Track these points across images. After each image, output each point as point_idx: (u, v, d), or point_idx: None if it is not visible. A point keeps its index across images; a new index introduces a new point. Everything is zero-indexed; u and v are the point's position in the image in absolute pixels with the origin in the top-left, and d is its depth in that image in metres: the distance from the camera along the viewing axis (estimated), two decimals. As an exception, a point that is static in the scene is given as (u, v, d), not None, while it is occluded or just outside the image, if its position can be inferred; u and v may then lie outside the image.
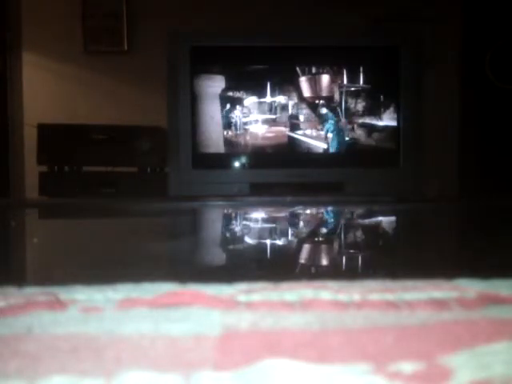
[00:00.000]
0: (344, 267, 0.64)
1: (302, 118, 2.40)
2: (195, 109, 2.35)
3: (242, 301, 0.36)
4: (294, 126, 2.40)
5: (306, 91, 2.39)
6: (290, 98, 2.39)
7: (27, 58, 2.60)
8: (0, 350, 0.28)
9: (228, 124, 2.38)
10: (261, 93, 2.38)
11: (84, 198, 2.22)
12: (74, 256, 0.74)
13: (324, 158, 2.41)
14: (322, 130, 2.40)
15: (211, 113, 2.38)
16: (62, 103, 2.60)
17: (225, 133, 2.38)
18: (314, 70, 2.40)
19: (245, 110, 2.38)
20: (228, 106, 2.38)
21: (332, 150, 2.39)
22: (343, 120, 2.39)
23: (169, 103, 2.36)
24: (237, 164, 2.40)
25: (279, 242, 0.89)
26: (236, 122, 2.38)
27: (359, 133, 2.40)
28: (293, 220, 1.37)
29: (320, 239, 0.96)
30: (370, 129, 2.40)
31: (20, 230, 1.15)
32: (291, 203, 1.93)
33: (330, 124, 2.39)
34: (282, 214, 1.51)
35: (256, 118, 2.39)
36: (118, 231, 1.10)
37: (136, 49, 2.61)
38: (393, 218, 1.47)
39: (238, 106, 2.38)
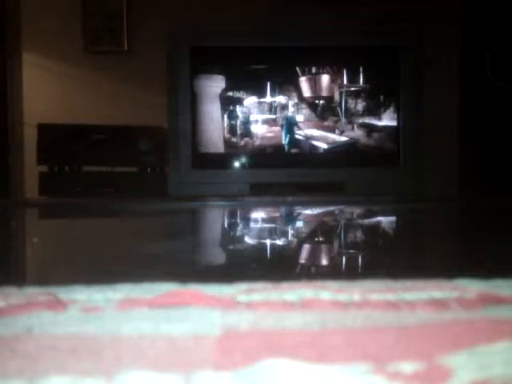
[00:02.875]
0: (344, 267, 0.64)
1: (302, 117, 2.40)
2: (195, 109, 2.35)
3: (242, 301, 0.36)
4: (294, 126, 2.40)
5: (306, 91, 2.39)
6: (289, 98, 2.39)
7: (27, 58, 2.60)
8: (0, 350, 0.28)
9: (228, 124, 2.38)
10: (261, 93, 2.38)
11: (84, 198, 2.21)
12: (74, 256, 0.74)
13: (324, 158, 2.41)
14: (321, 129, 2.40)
15: (211, 113, 2.38)
16: (61, 103, 2.60)
17: (225, 133, 2.38)
18: (314, 70, 2.40)
19: (245, 110, 2.38)
20: (228, 105, 2.38)
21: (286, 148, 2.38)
22: (343, 120, 2.39)
23: (169, 103, 2.36)
24: (237, 164, 2.40)
25: (279, 242, 0.89)
26: (236, 121, 2.38)
27: (359, 133, 2.40)
28: (293, 220, 1.37)
29: (320, 239, 0.96)
30: (370, 129, 2.40)
31: (20, 230, 1.15)
32: (291, 203, 1.93)
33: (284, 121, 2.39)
34: (282, 214, 1.51)
35: (256, 118, 2.39)
36: (117, 231, 1.10)
37: (136, 49, 2.61)
38: (393, 218, 1.47)
39: (237, 106, 2.38)
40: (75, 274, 0.56)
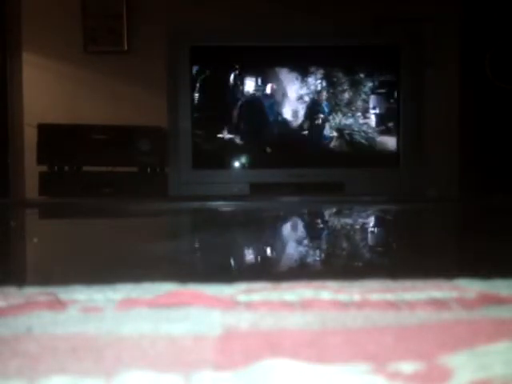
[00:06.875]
0: (344, 267, 0.64)
1: (302, 117, 2.40)
2: (195, 108, 2.35)
3: (242, 301, 0.36)
4: (295, 126, 2.40)
5: (306, 91, 2.39)
6: (290, 98, 2.39)
7: (27, 58, 2.60)
8: (0, 350, 0.28)
9: (228, 124, 2.38)
10: (261, 93, 2.38)
11: (84, 198, 2.21)
12: (74, 256, 0.74)
13: (324, 158, 2.41)
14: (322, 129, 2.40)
15: (211, 113, 2.38)
16: (62, 103, 2.60)
17: (225, 133, 2.38)
18: (314, 70, 2.40)
19: (245, 110, 2.38)
20: (228, 105, 2.38)
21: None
22: (343, 120, 2.39)
23: (169, 103, 2.36)
24: (237, 164, 2.40)
25: (279, 242, 0.89)
26: (236, 121, 2.38)
27: (359, 132, 2.40)
28: (292, 220, 1.37)
29: (320, 239, 0.96)
30: (370, 129, 2.40)
31: (20, 230, 1.15)
32: (291, 203, 1.93)
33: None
34: (282, 215, 1.51)
35: (256, 118, 2.39)
36: (117, 231, 1.10)
37: (136, 49, 2.61)
38: (393, 218, 1.47)
39: (238, 106, 2.38)
40: (75, 273, 0.56)
